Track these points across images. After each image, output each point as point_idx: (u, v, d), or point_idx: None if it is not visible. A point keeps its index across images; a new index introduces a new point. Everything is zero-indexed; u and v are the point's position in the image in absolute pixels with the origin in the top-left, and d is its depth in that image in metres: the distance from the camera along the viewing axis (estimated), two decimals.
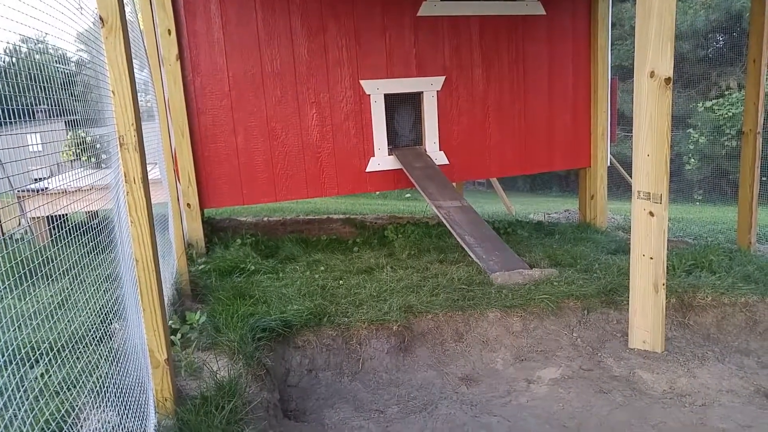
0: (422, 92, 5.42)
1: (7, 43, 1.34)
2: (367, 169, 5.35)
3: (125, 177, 1.88)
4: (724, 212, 9.92)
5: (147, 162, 2.05)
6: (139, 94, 1.99)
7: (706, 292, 3.50)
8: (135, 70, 1.95)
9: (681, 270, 3.91)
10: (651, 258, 3.07)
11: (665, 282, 3.11)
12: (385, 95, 5.29)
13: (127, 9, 2.02)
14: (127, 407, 1.91)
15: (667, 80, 2.90)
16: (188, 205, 4.78)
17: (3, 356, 1.20)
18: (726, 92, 16.27)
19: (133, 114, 1.84)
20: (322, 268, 4.39)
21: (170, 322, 3.01)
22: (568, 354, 3.23)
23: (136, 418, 1.95)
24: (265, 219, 6.64)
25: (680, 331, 3.40)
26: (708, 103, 16.08)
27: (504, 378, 3.07)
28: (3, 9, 1.19)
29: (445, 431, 2.60)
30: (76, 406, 1.91)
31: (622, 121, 14.45)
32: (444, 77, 5.45)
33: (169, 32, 4.53)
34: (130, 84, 1.83)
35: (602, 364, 3.12)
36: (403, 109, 5.59)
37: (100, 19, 1.71)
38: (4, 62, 1.45)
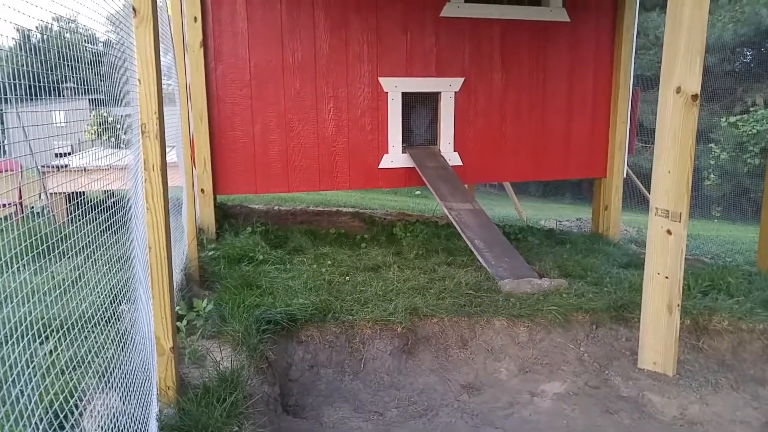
0: (440, 92, 5.38)
1: (40, 21, 1.33)
2: (380, 166, 5.33)
3: (144, 164, 1.87)
4: (743, 232, 9.68)
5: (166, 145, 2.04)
6: (162, 79, 1.98)
7: (723, 315, 3.36)
8: (160, 56, 1.94)
9: (696, 290, 3.77)
10: (666, 277, 2.97)
11: (680, 303, 3.00)
12: (403, 93, 5.25)
13: None
14: (131, 393, 1.91)
15: (694, 97, 2.80)
16: (202, 190, 4.79)
17: (11, 331, 1.20)
18: (751, 108, 15.80)
19: (157, 103, 1.83)
20: (329, 262, 4.37)
21: (177, 308, 3.02)
22: (574, 369, 3.17)
23: (139, 405, 1.95)
24: (276, 208, 6.63)
25: (693, 355, 3.28)
26: (732, 119, 15.54)
27: (507, 389, 3.03)
28: None
29: None
30: (80, 386, 1.91)
31: (641, 131, 14.24)
32: (463, 79, 5.40)
33: (195, 19, 4.55)
34: (156, 74, 1.82)
35: (609, 383, 3.05)
36: (419, 108, 5.55)
37: (133, 9, 1.70)
38: (36, 39, 1.46)
